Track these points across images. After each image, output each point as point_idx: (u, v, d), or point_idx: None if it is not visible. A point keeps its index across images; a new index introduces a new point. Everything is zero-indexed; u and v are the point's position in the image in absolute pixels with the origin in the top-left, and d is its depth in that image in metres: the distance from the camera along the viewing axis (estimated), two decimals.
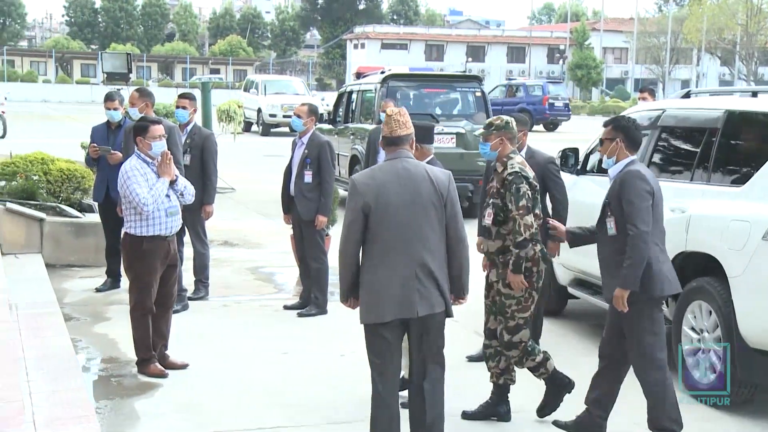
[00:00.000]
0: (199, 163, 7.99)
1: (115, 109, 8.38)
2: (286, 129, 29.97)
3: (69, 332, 6.85)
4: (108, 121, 8.49)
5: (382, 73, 13.82)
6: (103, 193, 8.45)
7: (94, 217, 10.10)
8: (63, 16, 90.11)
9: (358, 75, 18.10)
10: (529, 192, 5.29)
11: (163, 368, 6.25)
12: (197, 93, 20.34)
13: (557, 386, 5.56)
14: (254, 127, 31.81)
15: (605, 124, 5.30)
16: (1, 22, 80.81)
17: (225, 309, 8.11)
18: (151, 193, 6.03)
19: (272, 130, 30.84)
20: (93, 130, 8.57)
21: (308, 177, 7.70)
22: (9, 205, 9.59)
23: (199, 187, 7.45)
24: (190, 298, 8.00)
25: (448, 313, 4.65)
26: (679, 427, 5.06)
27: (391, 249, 4.52)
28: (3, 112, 24.90)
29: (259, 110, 31.31)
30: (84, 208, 10.45)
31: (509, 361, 5.52)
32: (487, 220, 5.44)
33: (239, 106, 24.74)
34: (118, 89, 16.06)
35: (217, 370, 6.41)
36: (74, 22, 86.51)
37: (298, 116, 7.83)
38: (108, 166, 8.27)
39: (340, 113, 14.85)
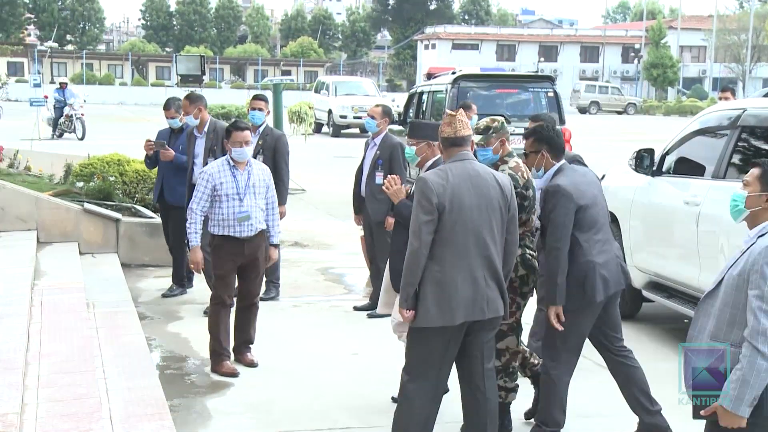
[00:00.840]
0: (271, 164, 7.99)
1: (172, 117, 8.43)
2: (357, 130, 30.15)
3: (143, 331, 7.00)
4: (170, 127, 8.58)
5: (453, 73, 13.77)
6: (158, 193, 8.57)
7: None
8: (139, 19, 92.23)
9: (429, 76, 18.06)
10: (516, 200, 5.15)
11: (233, 368, 6.37)
12: (268, 95, 20.61)
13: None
14: (325, 129, 32.06)
15: (526, 136, 5.26)
16: (81, 26, 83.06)
17: (295, 309, 8.19)
18: (201, 205, 6.36)
19: (343, 131, 31.03)
20: (158, 133, 8.65)
21: (379, 178, 7.72)
22: (87, 205, 9.85)
23: None
24: (261, 299, 8.10)
25: (504, 316, 4.76)
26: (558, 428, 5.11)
27: (464, 252, 4.51)
28: (82, 115, 25.60)
29: (330, 111, 31.55)
30: (157, 209, 10.68)
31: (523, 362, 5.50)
32: None
33: (310, 108, 25.00)
34: (192, 92, 16.39)
35: (287, 370, 6.48)
36: (150, 26, 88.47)
37: (372, 117, 7.86)
38: (165, 167, 8.36)
39: (411, 114, 14.86)
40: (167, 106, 8.55)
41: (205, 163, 7.85)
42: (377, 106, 8.09)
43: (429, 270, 4.52)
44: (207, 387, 6.17)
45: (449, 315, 4.50)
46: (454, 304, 4.49)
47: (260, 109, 8.11)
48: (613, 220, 7.48)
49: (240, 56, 77.95)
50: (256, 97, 8.38)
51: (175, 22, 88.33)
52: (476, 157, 4.97)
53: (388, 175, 5.53)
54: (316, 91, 34.56)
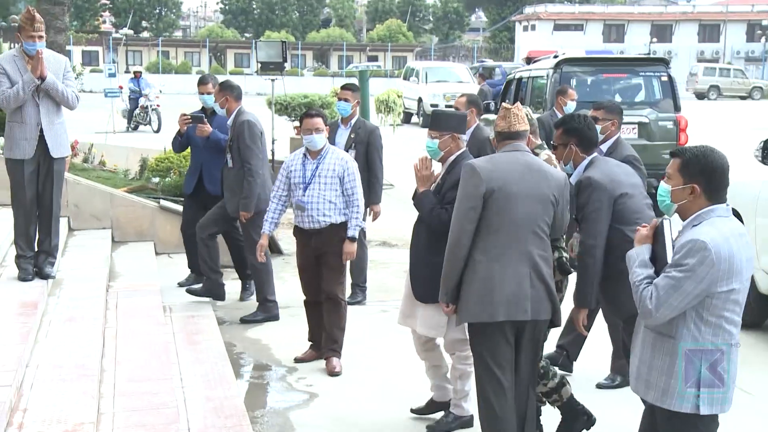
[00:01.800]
0: (364, 160, 7.99)
1: (208, 93, 8.39)
2: None
3: (222, 336, 7.13)
4: (203, 107, 8.55)
5: (555, 57, 13.60)
6: (194, 183, 8.51)
7: None
8: (217, 3, 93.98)
9: (528, 60, 17.89)
10: None
11: (307, 356, 6.84)
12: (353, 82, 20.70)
13: (572, 419, 5.38)
14: (414, 118, 32.09)
15: (555, 126, 5.21)
16: (157, 12, 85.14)
17: (383, 315, 8.20)
18: (277, 193, 6.77)
19: None
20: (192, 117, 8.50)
21: None
22: (163, 202, 10.08)
23: (364, 185, 7.57)
24: (348, 303, 8.15)
25: (555, 322, 4.76)
26: None
27: (508, 243, 4.55)
28: (158, 106, 26.20)
29: (420, 100, 31.53)
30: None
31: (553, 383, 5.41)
32: None
33: (399, 96, 25.08)
34: (273, 80, 16.57)
35: (374, 380, 6.51)
36: (228, 10, 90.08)
37: (457, 109, 7.80)
38: (204, 154, 8.34)
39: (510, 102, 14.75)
40: (204, 81, 8.54)
41: (226, 160, 7.97)
42: (462, 96, 8.03)
43: (471, 261, 4.57)
44: (290, 397, 6.24)
45: (490, 311, 4.50)
46: (497, 299, 4.50)
47: (346, 100, 8.10)
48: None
49: (323, 41, 78.64)
50: (344, 87, 8.33)
51: (255, 6, 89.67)
52: None
53: (421, 157, 5.47)
54: (405, 78, 34.61)
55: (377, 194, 8.19)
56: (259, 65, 17.84)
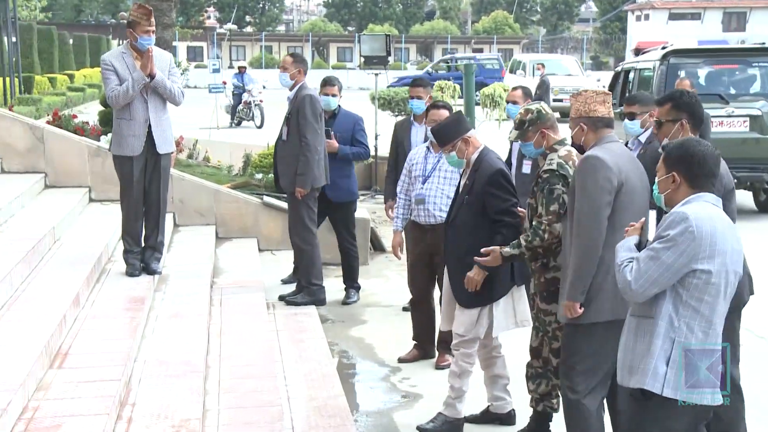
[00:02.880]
0: None
1: (333, 95, 8.44)
2: (557, 115, 29.77)
3: (326, 335, 7.21)
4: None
5: (664, 48, 13.32)
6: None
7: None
8: None
9: (638, 51, 17.53)
10: (565, 196, 4.92)
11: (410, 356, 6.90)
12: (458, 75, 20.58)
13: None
14: None
15: (661, 102, 5.16)
16: (261, 7, 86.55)
17: None
18: (402, 187, 6.84)
19: None
20: None
21: (527, 167, 7.47)
22: (266, 198, 10.25)
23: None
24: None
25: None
26: None
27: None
28: (261, 101, 26.62)
29: None
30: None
31: (550, 386, 5.32)
32: (525, 223, 5.27)
33: (505, 90, 24.85)
34: (376, 74, 16.65)
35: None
36: (331, 4, 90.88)
37: (514, 102, 7.68)
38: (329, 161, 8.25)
39: (617, 95, 14.52)
40: (331, 82, 8.53)
41: (281, 133, 8.02)
42: (516, 89, 7.89)
43: (601, 258, 4.53)
44: (393, 397, 6.27)
45: (623, 308, 4.39)
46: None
47: (419, 97, 7.87)
48: None
49: (427, 34, 78.64)
50: (415, 84, 8.04)
51: (358, 0, 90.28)
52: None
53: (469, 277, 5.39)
54: (511, 71, 34.38)
55: None
56: (363, 59, 17.93)
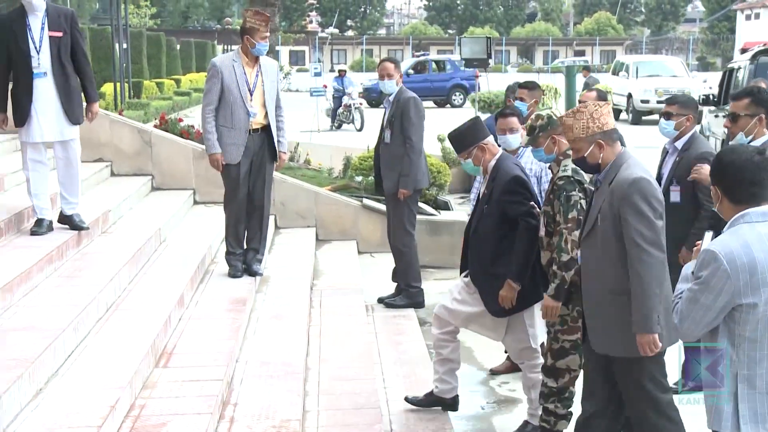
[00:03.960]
0: None
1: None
2: (657, 117, 29.18)
3: (424, 338, 7.20)
4: None
5: (764, 46, 12.95)
6: None
7: (450, 215, 10.55)
8: (421, 0, 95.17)
9: (743, 51, 17.08)
10: (583, 201, 4.73)
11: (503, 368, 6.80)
12: (560, 78, 20.38)
13: None
14: (623, 115, 31.23)
15: (737, 97, 4.91)
16: (362, 10, 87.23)
17: None
18: None
19: (644, 117, 30.07)
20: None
21: None
22: (366, 201, 10.30)
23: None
24: None
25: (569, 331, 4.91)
26: None
27: (668, 259, 4.40)
28: (360, 104, 26.83)
29: (630, 96, 30.63)
30: (439, 205, 10.93)
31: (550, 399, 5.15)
32: (541, 231, 5.09)
33: (607, 92, 24.46)
34: (476, 76, 16.62)
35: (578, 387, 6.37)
36: (432, 7, 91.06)
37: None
38: None
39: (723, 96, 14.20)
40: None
41: (382, 134, 8.01)
42: (590, 90, 7.66)
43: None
44: (493, 403, 6.22)
45: (675, 333, 4.26)
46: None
47: (522, 99, 7.47)
48: None
49: (528, 36, 78.11)
50: (521, 85, 7.82)
51: (459, 2, 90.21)
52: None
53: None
54: (614, 72, 33.75)
55: None
56: (463, 62, 17.86)
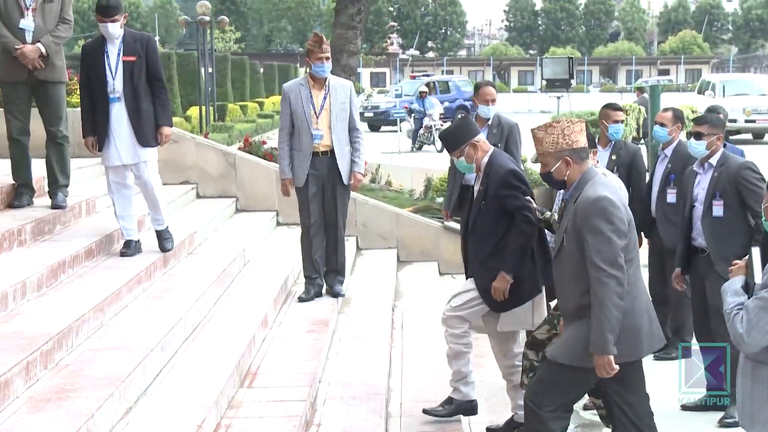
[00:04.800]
0: (626, 183, 7.52)
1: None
2: (748, 136, 28.50)
3: None
4: None
5: None
6: None
7: None
8: (502, 21, 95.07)
9: None
10: None
11: None
12: (672, 98, 20.10)
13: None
14: None
15: None
16: (443, 32, 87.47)
17: None
18: None
19: (731, 137, 29.48)
20: None
21: (671, 196, 7.03)
22: (447, 223, 10.29)
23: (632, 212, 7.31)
24: None
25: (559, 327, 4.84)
26: None
27: (638, 271, 4.43)
28: (442, 125, 26.86)
29: None
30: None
31: None
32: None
33: (693, 111, 24.02)
34: (558, 97, 16.53)
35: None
36: (513, 27, 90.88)
37: (662, 125, 7.25)
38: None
39: None
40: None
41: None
42: (666, 110, 7.45)
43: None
44: (578, 427, 6.14)
45: (637, 348, 4.37)
46: (644, 335, 4.38)
47: (620, 121, 7.47)
48: None
49: (611, 56, 77.31)
50: (611, 107, 7.59)
51: (540, 22, 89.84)
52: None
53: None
54: (700, 92, 33.13)
55: (641, 222, 7.61)
56: (544, 82, 17.82)
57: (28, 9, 7.00)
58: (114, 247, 7.13)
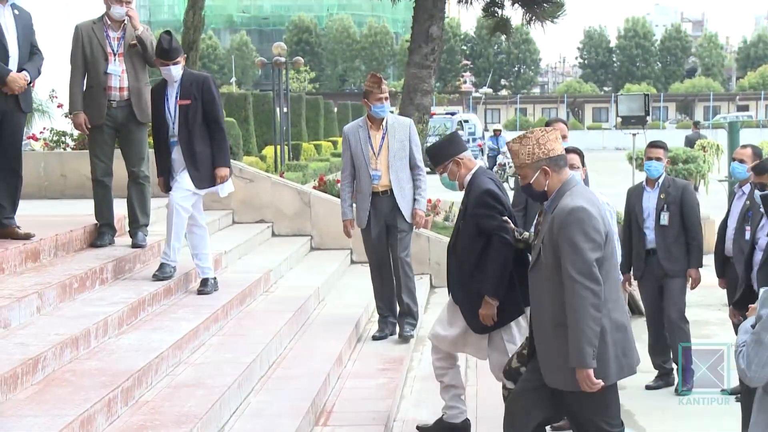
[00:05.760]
0: (679, 221, 7.28)
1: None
2: None
3: None
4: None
5: None
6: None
7: None
8: (576, 58, 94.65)
9: None
10: None
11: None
12: (721, 134, 19.81)
13: None
14: None
15: None
16: (516, 70, 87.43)
17: None
18: None
19: None
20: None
21: (750, 234, 6.80)
22: None
23: (682, 250, 7.22)
24: None
25: None
26: None
27: (617, 286, 4.37)
28: (507, 164, 26.80)
29: None
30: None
31: None
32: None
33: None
34: (634, 134, 16.32)
35: None
36: (587, 64, 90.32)
37: (741, 161, 7.07)
38: None
39: None
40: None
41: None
42: (745, 147, 7.27)
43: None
44: None
45: (628, 364, 4.33)
46: (631, 350, 4.33)
47: (659, 159, 7.31)
48: None
49: (687, 92, 76.29)
50: (653, 145, 7.49)
51: (614, 59, 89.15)
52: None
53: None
54: None
55: (696, 259, 7.33)
56: (620, 119, 17.64)
57: (114, 54, 7.19)
58: (191, 285, 7.25)
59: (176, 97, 6.88)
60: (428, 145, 5.78)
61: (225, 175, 7.02)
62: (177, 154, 6.96)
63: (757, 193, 6.02)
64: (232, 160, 7.78)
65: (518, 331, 5.39)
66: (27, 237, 6.52)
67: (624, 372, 4.32)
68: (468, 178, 5.47)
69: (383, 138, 7.35)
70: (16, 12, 6.63)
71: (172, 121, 6.90)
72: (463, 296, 5.42)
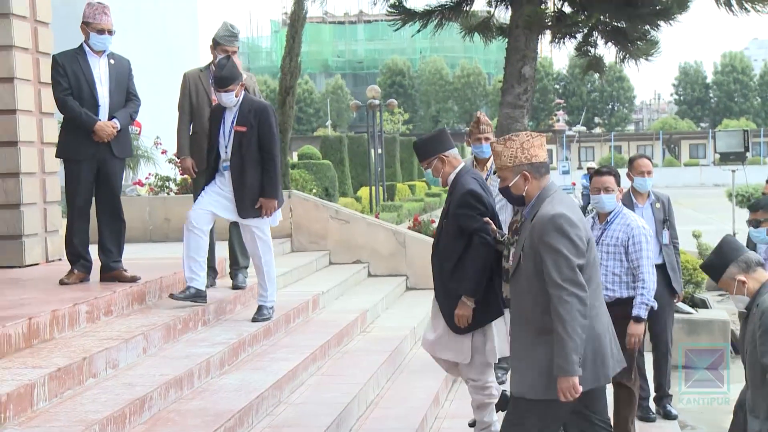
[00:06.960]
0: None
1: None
2: None
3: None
4: None
5: None
6: None
7: (708, 314, 10.07)
8: (671, 95, 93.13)
9: None
10: None
11: None
12: None
13: None
14: None
15: None
16: (610, 107, 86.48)
17: None
18: None
19: None
20: None
21: None
22: None
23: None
24: None
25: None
26: None
27: (599, 293, 4.26)
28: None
29: None
30: (696, 303, 10.47)
31: None
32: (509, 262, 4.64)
33: None
34: (733, 170, 15.99)
35: None
36: (683, 101, 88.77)
37: None
38: None
39: None
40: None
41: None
42: None
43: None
44: None
45: (605, 372, 4.20)
46: (607, 358, 4.21)
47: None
48: None
49: None
50: (641, 157, 7.54)
51: (711, 95, 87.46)
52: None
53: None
54: None
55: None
56: (718, 155, 17.29)
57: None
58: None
59: (233, 123, 6.74)
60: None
61: (272, 207, 6.80)
62: (226, 179, 6.76)
63: (751, 230, 5.85)
64: (328, 202, 7.87)
65: (497, 333, 5.31)
66: (133, 279, 6.70)
67: (600, 380, 4.24)
68: (452, 176, 5.42)
69: (486, 179, 7.34)
70: (112, 61, 6.83)
71: (225, 146, 6.76)
72: (444, 296, 5.37)
